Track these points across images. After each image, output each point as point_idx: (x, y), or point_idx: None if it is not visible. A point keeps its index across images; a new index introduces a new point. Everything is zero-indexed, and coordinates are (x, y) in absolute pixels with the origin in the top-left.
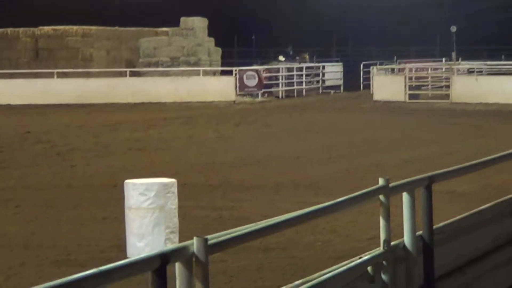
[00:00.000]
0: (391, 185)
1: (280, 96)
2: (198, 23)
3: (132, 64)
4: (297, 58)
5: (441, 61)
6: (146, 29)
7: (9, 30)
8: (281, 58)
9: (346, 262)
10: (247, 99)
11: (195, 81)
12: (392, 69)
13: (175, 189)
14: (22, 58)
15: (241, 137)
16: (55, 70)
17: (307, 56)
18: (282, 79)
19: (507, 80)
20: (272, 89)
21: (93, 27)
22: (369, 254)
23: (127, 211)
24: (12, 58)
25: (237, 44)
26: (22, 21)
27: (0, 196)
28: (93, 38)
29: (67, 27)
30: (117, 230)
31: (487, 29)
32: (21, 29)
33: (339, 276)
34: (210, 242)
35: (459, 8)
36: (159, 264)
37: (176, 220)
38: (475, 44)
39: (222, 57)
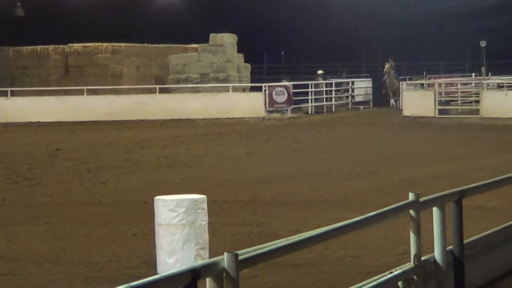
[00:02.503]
0: (421, 200)
1: (310, 112)
2: (227, 39)
3: (161, 80)
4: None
5: (471, 76)
6: (176, 45)
7: (39, 47)
8: (320, 71)
9: (377, 277)
10: (276, 115)
11: (224, 98)
12: (422, 85)
13: (205, 205)
14: (52, 75)
15: (270, 153)
16: (85, 87)
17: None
18: (311, 95)
19: None
20: (302, 105)
21: (123, 44)
22: (400, 269)
23: (157, 228)
24: (42, 75)
25: (266, 60)
26: (52, 39)
27: (30, 213)
28: (122, 55)
29: (96, 44)
30: (148, 247)
31: None
32: (51, 47)
33: None
34: (240, 257)
35: (489, 22)
36: (190, 280)
37: (206, 236)
38: (505, 58)
39: (252, 73)
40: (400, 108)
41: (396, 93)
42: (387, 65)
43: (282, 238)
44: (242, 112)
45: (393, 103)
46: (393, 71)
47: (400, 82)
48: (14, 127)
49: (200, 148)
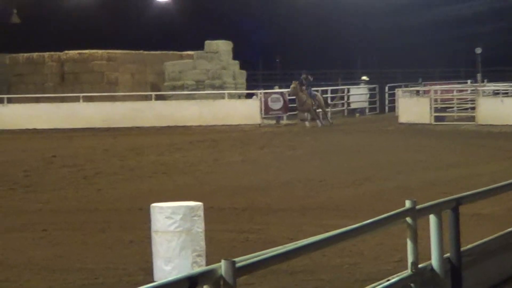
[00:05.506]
0: (418, 207)
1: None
2: (222, 46)
3: (157, 87)
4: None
5: (466, 82)
6: (171, 52)
7: (35, 54)
8: (364, 77)
9: (374, 285)
10: (272, 122)
11: (220, 105)
12: (417, 91)
13: (201, 213)
14: (48, 82)
15: (266, 160)
16: (81, 94)
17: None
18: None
19: None
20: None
21: (118, 51)
22: (397, 276)
23: (153, 235)
24: (38, 82)
25: (262, 67)
26: (48, 46)
27: (27, 220)
28: (118, 62)
29: (92, 51)
30: (144, 254)
31: None
32: (46, 54)
33: None
34: (238, 265)
35: (484, 28)
36: (187, 287)
37: (203, 243)
38: (500, 65)
39: (247, 80)
40: (320, 124)
41: (311, 111)
42: (292, 86)
43: (279, 245)
44: (238, 119)
45: (307, 123)
46: (304, 88)
47: (322, 96)
48: (10, 134)
49: (195, 155)
